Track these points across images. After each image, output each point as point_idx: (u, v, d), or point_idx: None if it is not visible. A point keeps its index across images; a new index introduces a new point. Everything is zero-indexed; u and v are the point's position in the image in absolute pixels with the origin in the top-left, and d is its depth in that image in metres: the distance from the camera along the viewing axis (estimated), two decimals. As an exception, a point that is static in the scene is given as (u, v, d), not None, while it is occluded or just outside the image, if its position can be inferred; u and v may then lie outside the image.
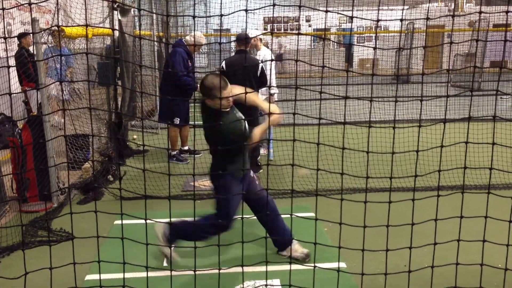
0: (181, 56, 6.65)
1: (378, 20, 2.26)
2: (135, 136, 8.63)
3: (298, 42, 2.32)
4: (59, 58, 7.28)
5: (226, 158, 3.64)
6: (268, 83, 6.64)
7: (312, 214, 4.78)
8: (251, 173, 3.88)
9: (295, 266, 3.42)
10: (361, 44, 21.96)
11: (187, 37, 7.02)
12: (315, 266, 2.56)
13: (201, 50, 9.38)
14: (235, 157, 3.63)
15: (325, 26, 2.83)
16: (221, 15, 2.02)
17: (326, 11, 2.14)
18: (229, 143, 3.41)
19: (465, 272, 3.39)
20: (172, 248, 3.70)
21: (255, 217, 3.78)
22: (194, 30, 3.94)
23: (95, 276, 3.55)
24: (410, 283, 2.78)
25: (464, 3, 22.09)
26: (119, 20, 7.64)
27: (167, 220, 3.79)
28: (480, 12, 2.46)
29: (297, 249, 3.99)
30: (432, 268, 2.63)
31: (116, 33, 7.59)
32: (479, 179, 5.67)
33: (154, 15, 9.79)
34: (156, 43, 9.66)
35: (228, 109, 3.55)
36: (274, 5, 2.09)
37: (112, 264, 2.72)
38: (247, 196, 3.79)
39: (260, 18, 22.46)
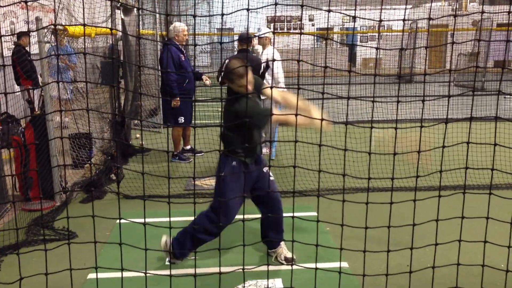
0: (170, 52, 6.51)
1: (380, 20, 2.26)
2: (138, 135, 8.64)
3: (300, 42, 2.32)
4: (60, 56, 7.28)
5: (238, 142, 3.47)
6: (277, 81, 6.65)
7: (315, 214, 4.78)
8: (266, 169, 3.64)
9: (297, 266, 3.41)
10: (364, 45, 21.92)
11: (171, 32, 6.72)
12: (316, 268, 2.56)
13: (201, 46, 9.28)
14: (249, 141, 3.48)
15: (327, 25, 2.83)
16: (223, 14, 2.02)
17: (329, 11, 2.13)
18: (247, 126, 3.31)
19: (467, 272, 3.39)
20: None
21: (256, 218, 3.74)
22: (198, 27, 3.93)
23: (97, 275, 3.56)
24: (412, 283, 2.78)
25: (468, 3, 22.01)
26: (122, 19, 7.64)
27: (167, 219, 3.81)
28: (482, 12, 2.45)
29: (281, 252, 3.90)
30: (433, 269, 2.63)
31: (119, 33, 7.59)
32: (482, 179, 5.66)
33: (157, 14, 9.80)
34: (159, 42, 9.64)
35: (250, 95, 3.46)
36: (276, 4, 2.09)
37: (114, 263, 2.73)
38: (256, 191, 3.64)
39: (263, 17, 22.46)
